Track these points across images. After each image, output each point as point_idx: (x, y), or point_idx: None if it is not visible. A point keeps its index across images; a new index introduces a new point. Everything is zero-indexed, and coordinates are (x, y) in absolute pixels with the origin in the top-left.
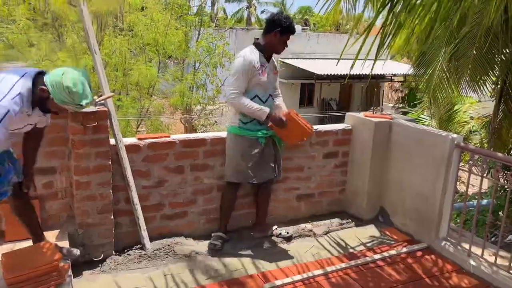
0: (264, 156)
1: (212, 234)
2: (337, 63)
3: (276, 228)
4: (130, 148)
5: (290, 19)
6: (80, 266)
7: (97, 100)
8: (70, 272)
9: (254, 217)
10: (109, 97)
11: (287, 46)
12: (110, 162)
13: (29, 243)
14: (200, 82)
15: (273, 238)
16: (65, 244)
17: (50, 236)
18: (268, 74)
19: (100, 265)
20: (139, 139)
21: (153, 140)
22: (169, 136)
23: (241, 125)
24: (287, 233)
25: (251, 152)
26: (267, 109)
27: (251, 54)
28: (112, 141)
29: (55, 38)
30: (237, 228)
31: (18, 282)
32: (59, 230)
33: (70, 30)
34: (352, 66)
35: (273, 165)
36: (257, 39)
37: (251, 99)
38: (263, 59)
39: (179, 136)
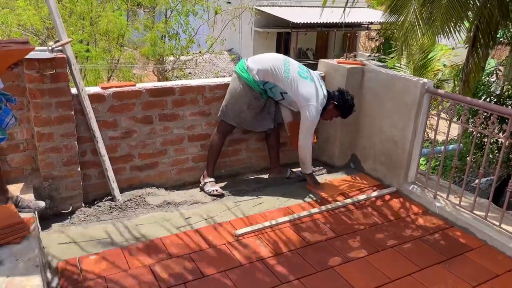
0: (265, 108)
1: (204, 182)
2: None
3: (292, 171)
4: (94, 98)
5: (353, 107)
6: (49, 219)
7: (53, 46)
8: (37, 224)
9: (250, 162)
10: (66, 43)
11: (330, 120)
12: (73, 113)
13: None
14: (172, 32)
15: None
16: (30, 196)
17: (14, 189)
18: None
19: (69, 217)
20: (103, 88)
21: (118, 89)
22: (134, 85)
23: (259, 82)
24: (302, 173)
25: (256, 104)
26: (311, 169)
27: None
28: (74, 90)
29: None
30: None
31: None
32: (23, 183)
33: None
34: (322, 12)
35: (272, 117)
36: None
37: (271, 88)
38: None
39: (145, 84)
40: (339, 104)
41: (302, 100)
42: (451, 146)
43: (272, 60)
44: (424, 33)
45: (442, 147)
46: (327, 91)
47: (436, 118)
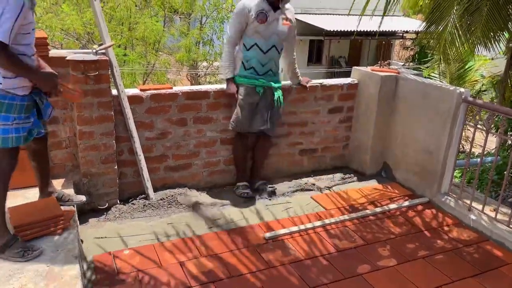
0: (259, 107)
1: (236, 186)
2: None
3: (263, 183)
4: (132, 99)
5: None
6: (86, 213)
7: (97, 49)
8: (76, 218)
9: (234, 174)
10: (109, 46)
11: None
12: (112, 113)
13: (34, 190)
14: (206, 38)
15: (264, 191)
16: (70, 192)
17: (56, 184)
18: (270, 22)
19: (105, 213)
20: (141, 90)
21: (156, 92)
22: (171, 88)
23: (241, 72)
24: (271, 187)
25: (247, 101)
26: (229, 75)
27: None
28: (114, 91)
29: None
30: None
31: (24, 225)
32: (64, 179)
33: None
34: (359, 21)
35: (265, 118)
36: None
37: (249, 48)
38: (266, 6)
39: (181, 88)
40: None
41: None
42: (489, 159)
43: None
44: (463, 43)
45: (478, 159)
46: None
47: (472, 129)
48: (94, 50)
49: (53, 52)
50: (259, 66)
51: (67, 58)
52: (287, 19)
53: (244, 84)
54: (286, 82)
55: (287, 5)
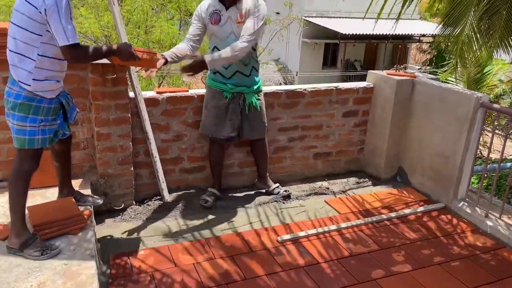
0: (227, 112)
1: (208, 189)
2: (363, 19)
3: (277, 187)
4: (149, 102)
5: None
6: (102, 214)
7: None
8: (93, 218)
9: (248, 177)
10: None
11: None
12: (129, 115)
13: (52, 190)
14: None
15: (278, 194)
16: (87, 192)
17: (74, 184)
18: (223, 22)
19: (121, 214)
20: (158, 92)
21: (172, 94)
22: (187, 91)
23: (210, 75)
24: (286, 191)
25: (212, 104)
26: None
27: (206, 0)
28: (131, 94)
29: None
30: (232, 187)
31: (43, 224)
32: (81, 179)
33: None
34: (375, 24)
35: (235, 125)
36: None
37: (211, 51)
38: (218, 5)
39: (197, 90)
40: None
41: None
42: (509, 164)
43: None
44: (481, 46)
45: (496, 165)
46: None
47: (490, 134)
48: None
49: None
50: (222, 70)
51: None
52: (241, 16)
53: (211, 87)
54: (276, 87)
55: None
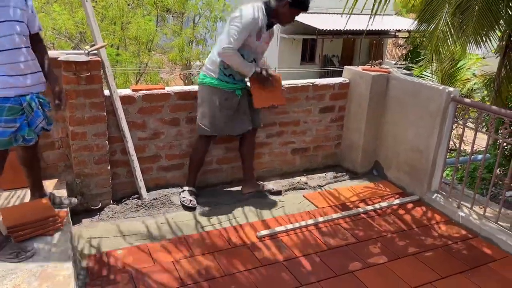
0: (240, 108)
1: (183, 188)
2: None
3: (264, 184)
4: (125, 100)
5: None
6: (79, 214)
7: (89, 49)
8: (69, 218)
9: (227, 174)
10: (102, 47)
11: (293, 22)
12: (105, 113)
13: (27, 191)
14: (199, 37)
15: (270, 191)
16: (63, 192)
17: (48, 185)
18: (262, 40)
19: (98, 213)
20: (133, 90)
21: (148, 92)
22: (164, 88)
23: (220, 77)
24: (273, 189)
25: (228, 105)
26: (255, 66)
27: (259, 12)
28: (106, 92)
29: None
30: (210, 184)
31: (16, 226)
32: (57, 179)
33: None
34: (348, 19)
35: (249, 118)
36: None
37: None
38: (264, 24)
39: (174, 88)
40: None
41: (233, 17)
42: (480, 156)
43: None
44: (455, 42)
45: (468, 157)
46: (266, 2)
47: (462, 126)
48: (86, 51)
49: None
50: (237, 75)
51: (59, 59)
52: (270, 38)
53: (222, 88)
54: None
55: None
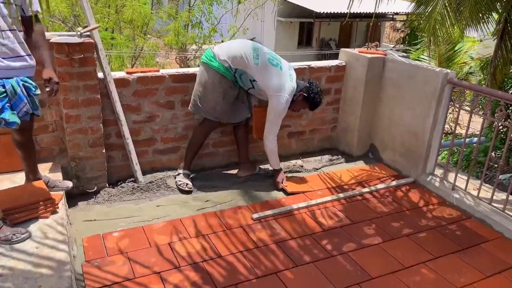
0: (239, 97)
1: (178, 172)
2: None
3: (261, 168)
4: (119, 82)
5: (321, 98)
6: (75, 197)
7: (82, 31)
8: (64, 201)
9: (222, 157)
10: (94, 29)
11: (297, 111)
12: (99, 96)
13: (21, 174)
14: (195, 20)
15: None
16: (58, 176)
17: (43, 168)
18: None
19: (94, 196)
20: (128, 73)
21: (142, 74)
22: (158, 71)
23: (228, 67)
24: (270, 172)
25: (231, 94)
26: (278, 165)
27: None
28: (100, 74)
29: None
30: (206, 167)
31: (12, 208)
32: (52, 163)
33: None
34: (351, 3)
35: (247, 104)
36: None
37: (247, 84)
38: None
39: (168, 70)
40: (308, 96)
41: (272, 89)
42: (475, 139)
43: (240, 46)
44: (453, 24)
45: (463, 140)
46: (296, 82)
47: (458, 108)
48: (79, 33)
49: None
50: (244, 84)
51: (51, 41)
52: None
53: (227, 77)
54: None
55: None
